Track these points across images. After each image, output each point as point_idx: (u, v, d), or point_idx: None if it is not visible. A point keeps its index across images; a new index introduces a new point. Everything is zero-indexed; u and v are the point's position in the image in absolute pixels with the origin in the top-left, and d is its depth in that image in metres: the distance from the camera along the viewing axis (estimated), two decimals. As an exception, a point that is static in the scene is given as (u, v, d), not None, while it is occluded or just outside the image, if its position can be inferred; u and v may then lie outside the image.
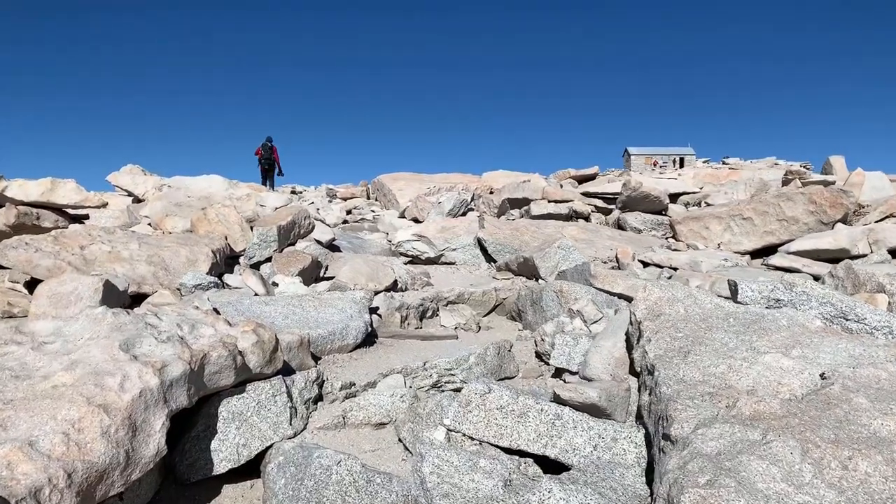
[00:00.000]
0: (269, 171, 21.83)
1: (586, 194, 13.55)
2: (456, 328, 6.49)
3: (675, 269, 8.40)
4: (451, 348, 5.70)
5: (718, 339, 3.16)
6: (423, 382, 4.59)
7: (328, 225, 11.38)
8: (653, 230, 11.85)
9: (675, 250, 9.48)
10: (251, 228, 8.51)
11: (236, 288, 6.84)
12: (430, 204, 11.49)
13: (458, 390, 4.62)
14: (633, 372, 3.76)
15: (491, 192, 17.75)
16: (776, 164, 44.84)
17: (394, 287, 7.20)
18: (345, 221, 14.70)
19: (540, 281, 7.65)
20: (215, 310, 5.28)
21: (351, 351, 5.26)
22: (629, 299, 6.37)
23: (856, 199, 9.62)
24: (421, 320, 6.73)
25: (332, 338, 5.13)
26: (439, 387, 4.59)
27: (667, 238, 11.10)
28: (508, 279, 8.10)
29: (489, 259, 9.37)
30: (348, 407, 4.14)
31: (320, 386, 4.35)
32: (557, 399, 3.11)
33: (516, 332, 6.55)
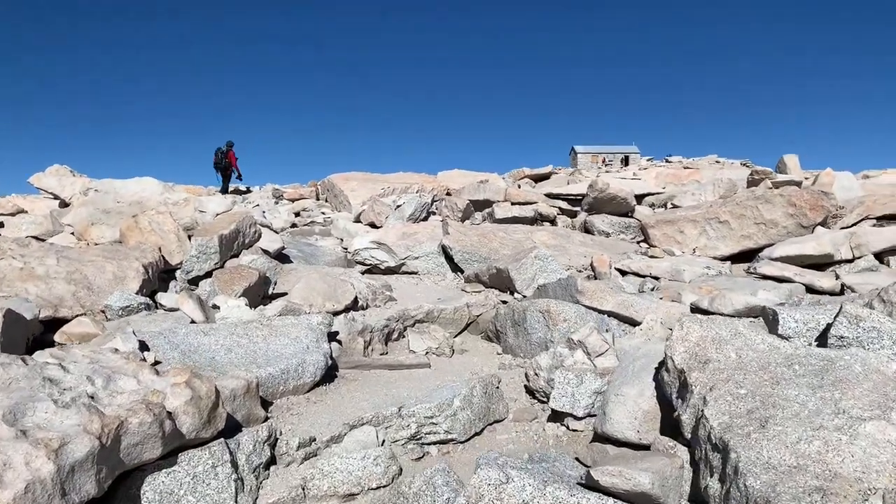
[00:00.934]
0: (225, 175, 20.95)
1: (550, 196, 12.89)
2: (427, 353, 5.70)
3: (657, 277, 7.80)
4: (425, 380, 4.92)
5: (793, 398, 2.46)
6: (398, 434, 3.78)
7: (275, 231, 10.44)
8: (621, 233, 11.26)
9: (652, 257, 8.89)
10: (189, 238, 7.55)
11: (171, 310, 5.92)
12: (388, 207, 10.64)
13: (442, 442, 3.84)
14: (665, 430, 3.04)
15: (448, 194, 16.99)
16: (717, 161, 45.43)
17: (354, 305, 6.36)
18: (293, 225, 13.73)
19: (516, 295, 6.92)
20: (143, 344, 4.38)
21: (308, 391, 4.42)
22: (618, 317, 5.70)
23: (836, 202, 9.20)
24: (386, 343, 5.93)
25: (286, 377, 4.28)
26: (419, 439, 3.80)
27: (638, 242, 10.52)
28: (479, 292, 7.35)
29: (455, 268, 8.60)
30: (309, 474, 3.32)
31: (273, 446, 3.51)
32: (594, 485, 2.37)
33: (495, 355, 5.80)
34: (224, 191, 20.51)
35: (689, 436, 2.60)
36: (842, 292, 6.86)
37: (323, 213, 15.94)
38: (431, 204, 11.39)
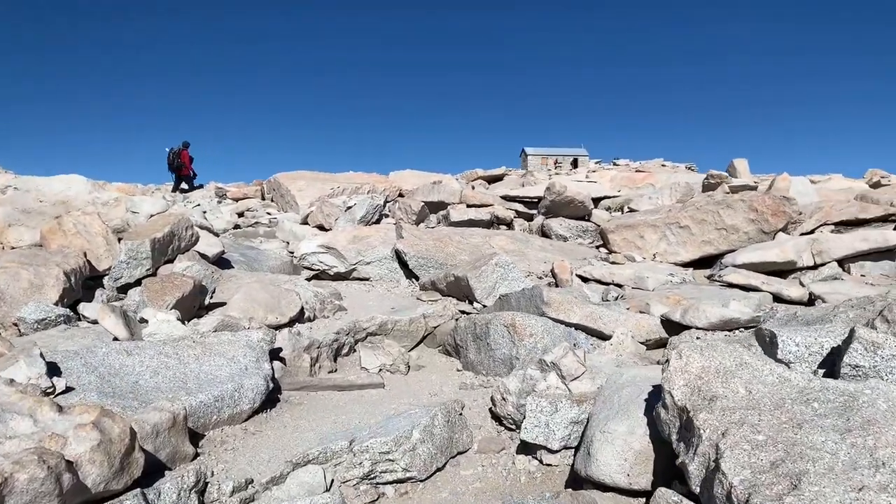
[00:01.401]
0: (179, 177, 20.78)
1: (506, 198, 12.53)
2: (380, 370, 5.23)
3: (620, 285, 7.48)
4: (378, 404, 4.44)
5: (821, 446, 2.08)
6: (349, 473, 3.30)
7: (216, 233, 9.80)
8: (579, 237, 10.98)
9: (613, 263, 8.58)
10: (119, 241, 6.90)
11: (94, 322, 5.30)
12: (338, 209, 10.08)
13: (400, 481, 3.37)
14: (658, 473, 2.64)
15: (401, 195, 16.52)
16: (663, 165, 46.19)
17: (300, 317, 5.84)
18: (236, 226, 13.07)
19: (475, 304, 6.49)
20: (54, 367, 3.79)
21: (246, 420, 3.90)
22: (586, 330, 5.33)
23: (798, 207, 9.06)
24: (335, 359, 5.43)
25: (221, 405, 3.75)
26: (373, 478, 3.32)
27: (597, 247, 10.23)
28: (436, 300, 6.90)
29: (410, 274, 8.13)
30: (244, 528, 2.82)
31: (202, 492, 2.99)
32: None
33: (454, 371, 5.36)
34: (175, 190, 19.79)
35: (696, 488, 2.20)
36: (810, 302, 6.64)
37: (268, 214, 15.27)
38: (384, 206, 10.89)
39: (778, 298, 6.73)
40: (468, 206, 11.57)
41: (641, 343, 5.11)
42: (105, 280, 6.58)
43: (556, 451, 3.36)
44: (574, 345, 5.08)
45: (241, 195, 17.56)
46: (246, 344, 4.42)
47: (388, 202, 11.55)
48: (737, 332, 5.11)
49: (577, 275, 7.83)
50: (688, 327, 5.18)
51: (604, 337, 5.29)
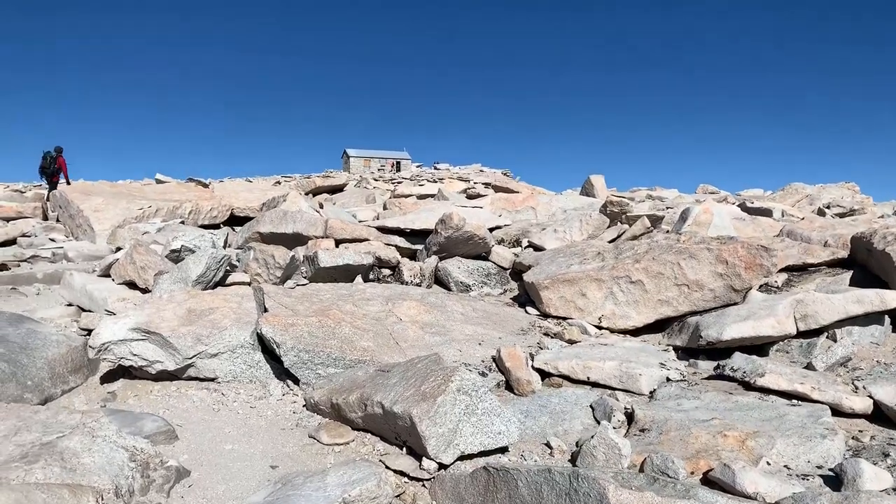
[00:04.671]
0: (52, 182, 19.95)
1: (382, 229, 9.83)
2: None
3: (608, 386, 5.15)
4: None
5: None
6: None
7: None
8: (483, 284, 8.62)
9: (570, 342, 6.23)
10: None
11: None
12: (159, 258, 6.78)
13: None
14: None
15: (233, 217, 13.28)
16: (482, 170, 46.15)
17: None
18: (2, 266, 9.29)
19: (425, 462, 3.80)
20: None
21: None
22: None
23: (777, 259, 7.29)
24: None
25: None
26: None
27: (523, 307, 7.87)
28: (346, 443, 4.14)
29: (283, 373, 5.25)
30: None
31: None
32: None
33: None
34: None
35: None
36: (879, 416, 4.71)
37: (52, 241, 11.41)
38: (232, 255, 7.71)
39: (836, 411, 4.74)
40: (338, 241, 8.76)
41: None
42: None
43: None
44: None
45: (13, 213, 13.27)
46: None
47: (245, 250, 8.36)
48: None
49: (533, 367, 5.40)
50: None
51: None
